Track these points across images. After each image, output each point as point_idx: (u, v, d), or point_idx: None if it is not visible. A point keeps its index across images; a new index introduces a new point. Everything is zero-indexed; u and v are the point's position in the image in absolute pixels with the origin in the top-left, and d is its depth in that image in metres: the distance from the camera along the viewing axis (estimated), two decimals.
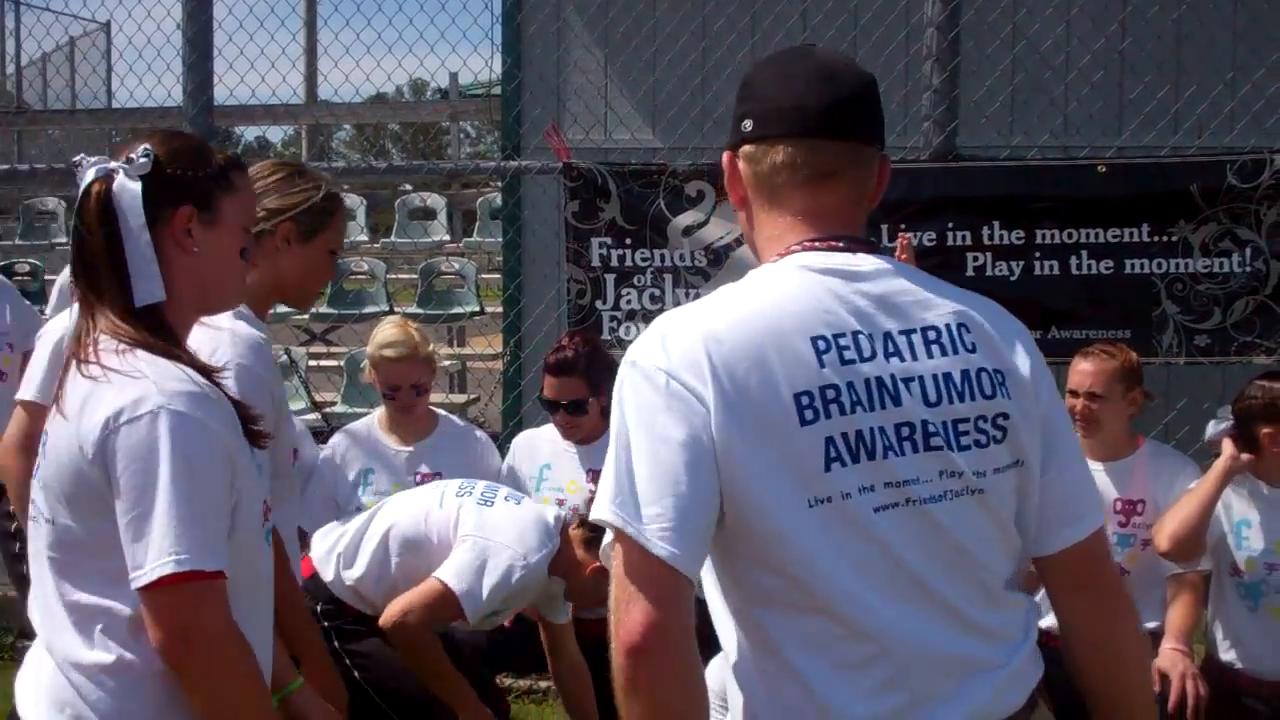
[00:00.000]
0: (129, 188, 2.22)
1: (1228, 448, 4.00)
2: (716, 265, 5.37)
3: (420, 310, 9.82)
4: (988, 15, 5.89)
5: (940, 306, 1.97)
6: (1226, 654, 4.04)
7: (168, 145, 2.28)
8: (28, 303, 5.36)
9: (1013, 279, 5.06)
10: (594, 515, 1.88)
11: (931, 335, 1.94)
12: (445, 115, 13.34)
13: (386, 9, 10.62)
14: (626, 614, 1.81)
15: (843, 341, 1.90)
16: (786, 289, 1.93)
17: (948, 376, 1.93)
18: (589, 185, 5.51)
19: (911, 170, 5.23)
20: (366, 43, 7.74)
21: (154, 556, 2.06)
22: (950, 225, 5.16)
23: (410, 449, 4.71)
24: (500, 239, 7.82)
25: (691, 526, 1.82)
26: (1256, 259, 4.95)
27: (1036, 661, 2.02)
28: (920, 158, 5.29)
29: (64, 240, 11.54)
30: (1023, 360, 1.99)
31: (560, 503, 4.64)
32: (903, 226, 5.17)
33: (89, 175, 2.25)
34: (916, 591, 1.89)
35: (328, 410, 8.23)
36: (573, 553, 3.88)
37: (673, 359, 1.87)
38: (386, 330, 4.69)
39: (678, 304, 5.45)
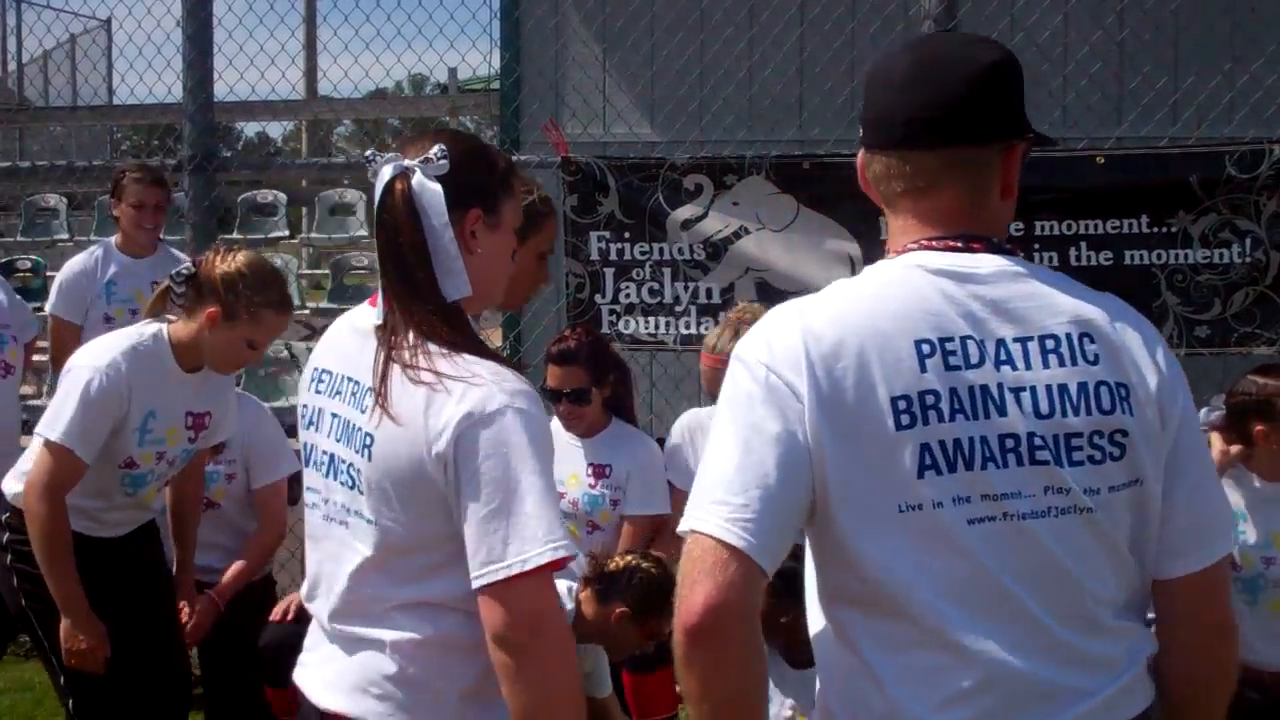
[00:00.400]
0: (429, 187, 2.26)
1: (1216, 442, 4.00)
2: (715, 259, 5.37)
3: None
4: (985, 7, 5.88)
5: (1064, 314, 1.91)
6: None
7: (459, 147, 2.32)
8: (18, 296, 5.39)
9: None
10: (682, 522, 1.87)
11: (1050, 344, 1.88)
12: (444, 110, 13.33)
13: (385, 4, 10.62)
14: (690, 594, 1.81)
15: (949, 346, 1.86)
16: (895, 288, 1.90)
17: (1063, 388, 1.86)
18: (587, 179, 5.51)
19: None
20: (365, 38, 7.71)
21: (526, 547, 2.12)
22: None
23: None
24: None
25: (773, 520, 1.82)
26: (1256, 249, 4.94)
27: (1139, 692, 1.94)
28: None
29: (65, 237, 11.57)
30: (1152, 374, 1.91)
31: (561, 496, 4.64)
32: None
33: (387, 172, 2.29)
34: (1004, 609, 1.84)
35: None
36: (590, 618, 3.73)
37: (774, 353, 1.87)
38: None
39: (676, 298, 5.49)
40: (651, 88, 6.72)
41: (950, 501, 1.82)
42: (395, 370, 2.23)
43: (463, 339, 2.26)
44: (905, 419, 1.82)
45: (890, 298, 1.89)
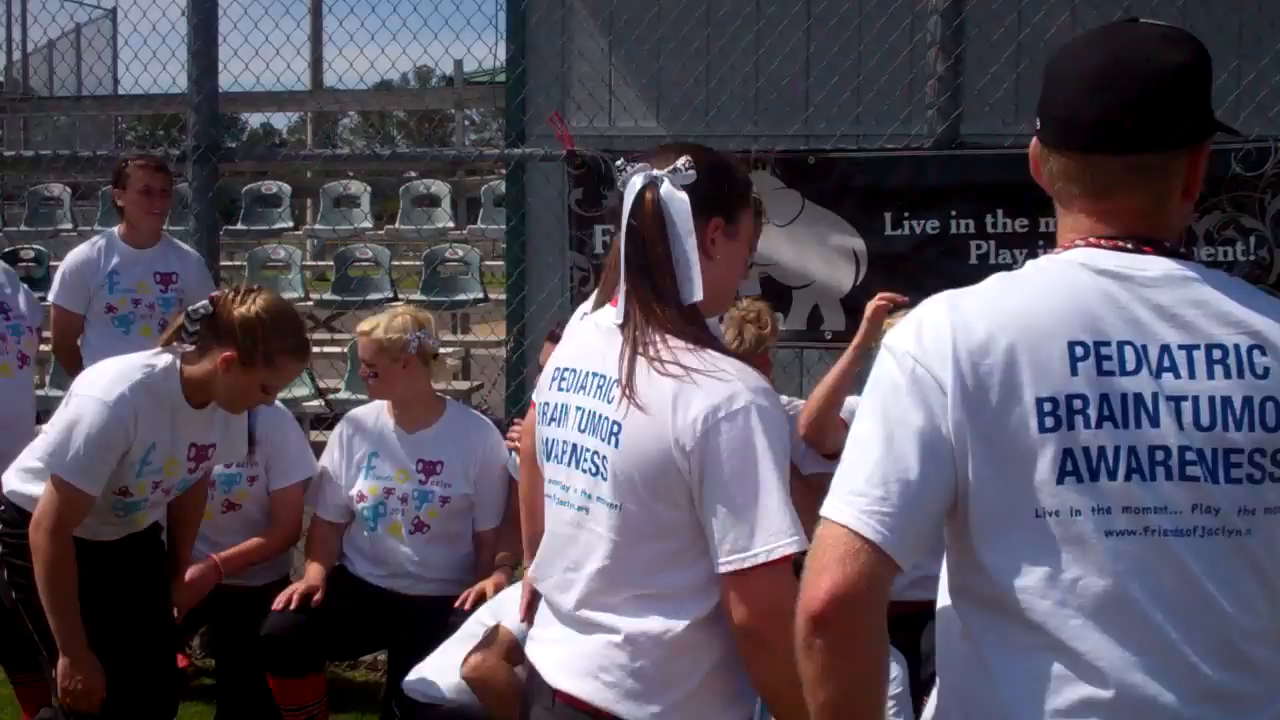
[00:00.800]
0: (677, 196, 2.39)
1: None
2: None
3: (424, 297, 9.83)
4: (992, 2, 5.88)
5: (1235, 323, 1.82)
6: None
7: (705, 160, 2.45)
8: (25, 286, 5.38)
9: (1016, 267, 5.03)
10: (822, 509, 1.86)
11: (1217, 354, 1.80)
12: (450, 103, 13.34)
13: None
14: (816, 580, 1.80)
15: (1105, 350, 1.80)
16: (1056, 286, 1.85)
17: (1227, 401, 1.78)
18: (592, 173, 5.50)
19: (915, 158, 5.23)
20: (371, 30, 7.72)
21: (770, 538, 2.25)
22: (954, 213, 5.15)
23: (414, 435, 4.72)
24: (504, 226, 7.82)
25: (911, 514, 1.80)
26: (1260, 248, 4.94)
27: None
28: (924, 146, 5.28)
29: (69, 226, 11.57)
30: None
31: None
32: (905, 215, 5.17)
33: (638, 181, 2.43)
34: (1137, 627, 1.78)
35: (332, 397, 8.23)
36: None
37: (924, 345, 1.84)
38: (377, 316, 4.79)
39: None
40: (657, 81, 6.71)
41: (1090, 511, 1.78)
42: (641, 364, 2.35)
43: (705, 336, 2.38)
44: (1049, 421, 1.78)
45: (1049, 295, 1.84)
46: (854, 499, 1.81)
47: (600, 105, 6.74)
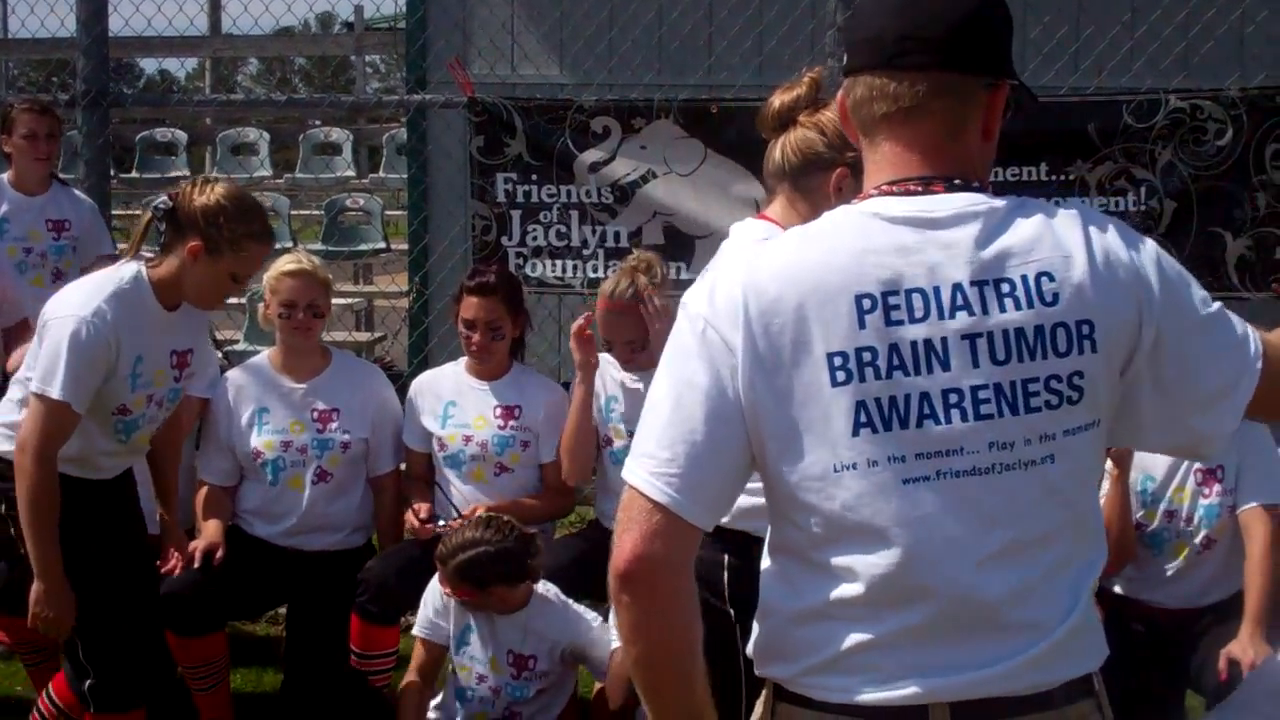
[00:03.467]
0: None
1: None
2: (623, 202, 5.36)
3: (325, 247, 9.71)
4: None
5: (1025, 253, 1.83)
6: (1117, 586, 4.19)
7: None
8: None
9: None
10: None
11: (1005, 288, 1.82)
12: (350, 49, 13.14)
13: None
14: (619, 541, 1.84)
15: (892, 300, 1.81)
16: (847, 239, 1.85)
17: (1020, 332, 1.80)
18: (494, 121, 5.47)
19: None
20: None
21: None
22: None
23: (304, 385, 4.67)
24: (405, 175, 7.75)
25: (701, 474, 1.82)
26: (1151, 198, 5.02)
27: (1077, 653, 1.88)
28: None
29: None
30: (1121, 300, 1.83)
31: (468, 439, 4.66)
32: None
33: None
34: (936, 572, 1.80)
35: (229, 349, 8.11)
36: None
37: (715, 306, 1.85)
38: (283, 260, 4.68)
39: (584, 241, 5.47)
40: (560, 28, 6.67)
41: (886, 460, 1.80)
42: None
43: None
44: (841, 375, 1.80)
45: (840, 249, 1.85)
46: (645, 460, 1.85)
47: (502, 52, 6.69)
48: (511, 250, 5.49)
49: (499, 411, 4.66)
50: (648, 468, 1.84)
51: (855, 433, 1.80)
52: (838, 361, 1.80)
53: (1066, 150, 5.08)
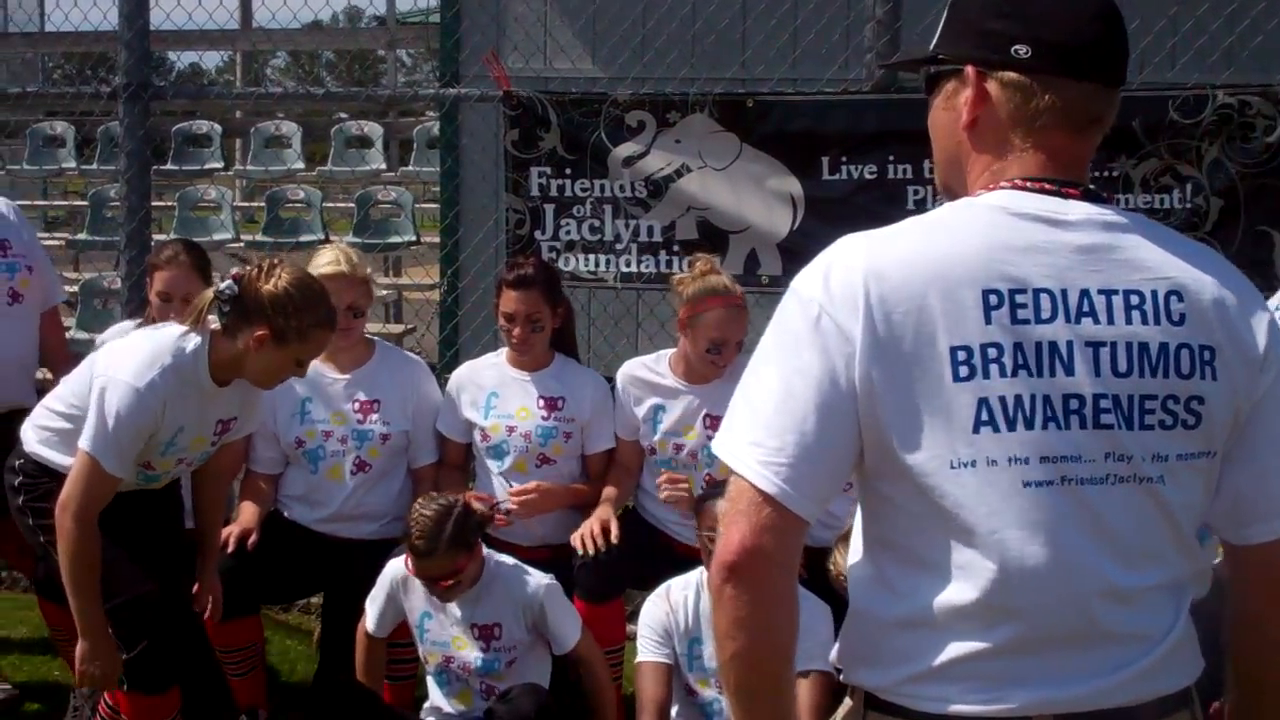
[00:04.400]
0: None
1: None
2: (657, 196, 5.34)
3: (356, 239, 9.72)
4: None
5: (1155, 269, 1.80)
6: None
7: None
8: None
9: None
10: (715, 446, 1.86)
11: (1135, 300, 1.78)
12: (382, 42, 13.16)
13: None
14: (727, 532, 1.80)
15: (1020, 299, 1.77)
16: (972, 231, 1.81)
17: (1144, 347, 1.77)
18: (529, 114, 5.45)
19: (853, 102, 5.21)
20: None
21: None
22: (891, 158, 5.13)
23: (347, 376, 4.67)
24: (437, 168, 7.74)
25: (809, 467, 1.77)
26: (1197, 195, 4.96)
27: (1178, 667, 1.85)
28: (862, 90, 5.26)
29: None
30: (1247, 339, 1.82)
31: (511, 430, 4.65)
32: (843, 159, 5.16)
33: None
34: (1053, 576, 1.76)
35: None
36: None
37: (831, 292, 1.79)
38: (323, 253, 4.67)
39: (617, 235, 5.44)
40: (594, 22, 6.66)
41: (1006, 461, 1.75)
42: None
43: None
44: (964, 371, 1.75)
45: (965, 241, 1.80)
46: (753, 449, 1.79)
47: (536, 46, 6.68)
48: (544, 244, 5.47)
49: (542, 403, 4.66)
50: (756, 456, 1.78)
51: (976, 430, 1.76)
52: (961, 356, 1.76)
53: (1110, 146, 5.01)
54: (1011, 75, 1.86)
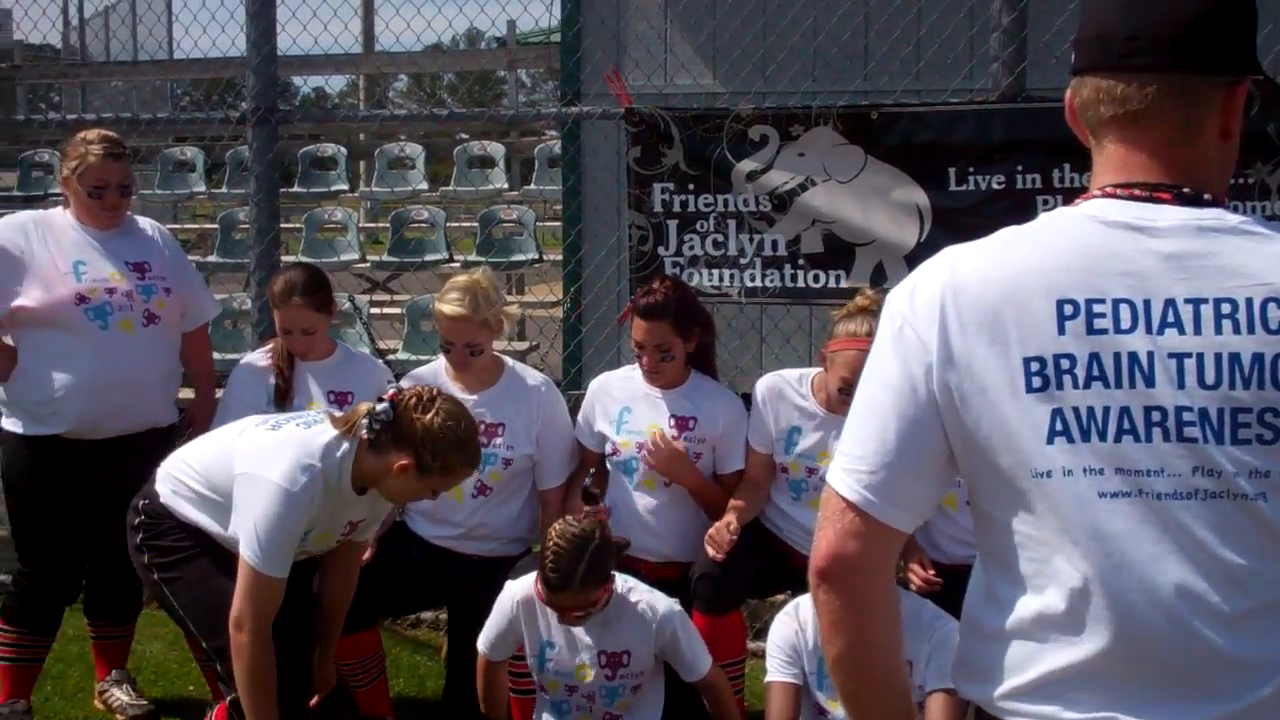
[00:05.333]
0: None
1: None
2: (781, 210, 5.31)
3: (480, 258, 9.83)
4: None
5: (1254, 275, 1.72)
6: None
7: None
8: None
9: None
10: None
11: (1226, 308, 1.71)
12: (503, 63, 13.29)
13: None
14: (817, 538, 1.85)
15: (1097, 309, 1.74)
16: (1056, 241, 1.80)
17: (1235, 358, 1.70)
18: (651, 130, 5.45)
19: (979, 113, 5.14)
20: None
21: None
22: (1019, 168, 5.06)
23: (474, 398, 4.70)
24: (558, 186, 7.79)
25: (891, 474, 1.81)
26: None
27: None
28: (988, 100, 5.19)
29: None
30: None
31: (640, 447, 4.65)
32: (970, 170, 5.10)
33: None
34: (1137, 585, 1.71)
35: (390, 357, 8.25)
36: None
37: (914, 304, 1.84)
38: (453, 287, 4.66)
39: (741, 250, 5.43)
40: (715, 38, 6.66)
41: (1081, 471, 1.73)
42: None
43: None
44: (1037, 381, 1.75)
45: (1048, 251, 1.79)
46: (840, 457, 1.86)
47: (657, 63, 6.69)
48: (668, 260, 5.47)
49: (673, 422, 4.65)
50: (841, 464, 1.85)
51: (1050, 440, 1.75)
52: (1034, 367, 1.75)
53: (1244, 151, 4.87)
54: (1073, 79, 1.87)
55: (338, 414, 3.98)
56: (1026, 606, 1.79)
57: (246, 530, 3.72)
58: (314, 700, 4.17)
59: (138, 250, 4.82)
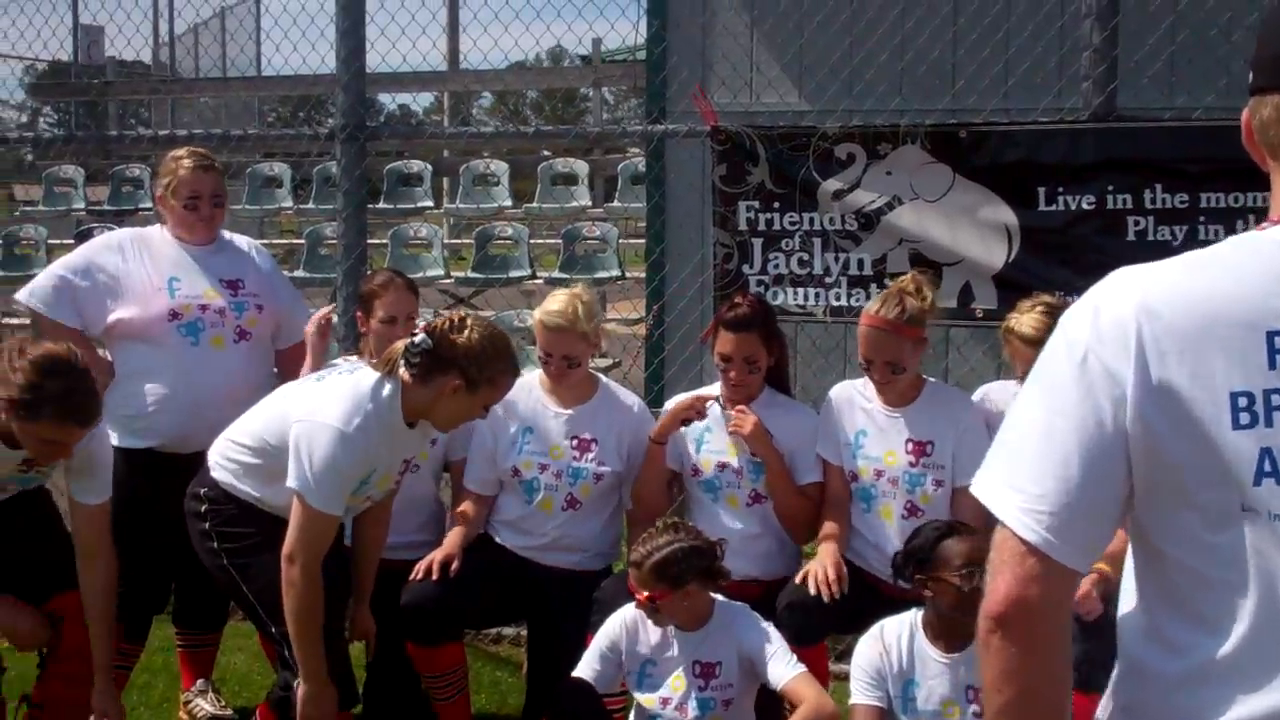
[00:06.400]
0: None
1: None
2: (868, 229, 5.28)
3: (563, 275, 9.87)
4: None
5: None
6: None
7: None
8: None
9: (1176, 244, 4.87)
10: (973, 486, 1.79)
11: None
12: (586, 80, 13.35)
13: None
14: (993, 582, 1.73)
15: None
16: (1253, 268, 1.68)
17: None
18: (737, 149, 5.45)
19: (1070, 132, 5.09)
20: (515, 8, 7.73)
21: None
22: (1111, 188, 5.00)
23: (569, 412, 4.72)
24: (640, 203, 7.80)
25: (1072, 515, 1.68)
26: None
27: None
28: (1079, 119, 5.14)
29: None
30: None
31: (722, 466, 4.66)
32: (1060, 189, 5.04)
33: None
34: None
35: None
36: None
37: (1100, 330, 1.69)
38: (555, 298, 4.71)
39: (826, 269, 5.40)
40: (801, 56, 6.64)
41: None
42: None
43: None
44: (1245, 418, 1.63)
45: (1245, 278, 1.67)
46: (1014, 494, 1.72)
47: (743, 80, 6.68)
48: (753, 278, 5.46)
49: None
50: (1017, 503, 1.71)
51: (1258, 482, 1.63)
52: (1242, 402, 1.64)
53: None
54: (1251, 98, 1.79)
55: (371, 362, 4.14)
56: (1210, 651, 1.68)
57: (301, 470, 3.85)
58: (369, 653, 4.41)
59: (232, 267, 4.90)
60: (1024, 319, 4.34)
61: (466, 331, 3.92)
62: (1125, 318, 1.69)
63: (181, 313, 4.72)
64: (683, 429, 4.71)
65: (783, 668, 4.04)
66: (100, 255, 4.81)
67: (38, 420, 3.74)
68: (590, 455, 4.69)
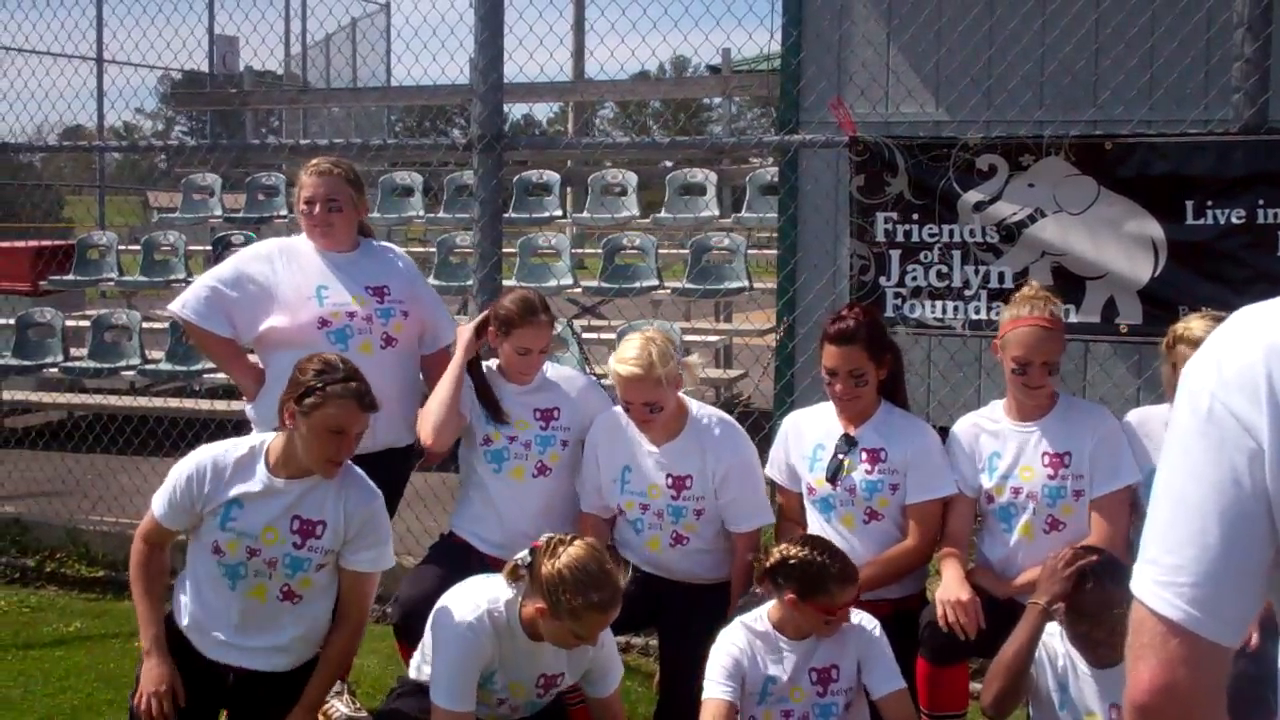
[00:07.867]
0: None
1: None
2: (1009, 241, 5.21)
3: (691, 285, 9.87)
4: None
5: None
6: None
7: None
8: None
9: None
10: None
11: None
12: (717, 91, 13.35)
13: None
14: (1134, 669, 1.58)
15: None
16: None
17: None
18: (875, 159, 5.40)
19: (1220, 144, 4.98)
20: (631, 19, 7.76)
21: None
22: (1261, 202, 4.88)
23: (660, 448, 4.69)
24: (769, 214, 7.76)
25: (1215, 586, 1.53)
26: None
27: None
28: (1229, 131, 5.02)
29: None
30: None
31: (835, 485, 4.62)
32: (1209, 203, 4.94)
33: None
34: None
35: (605, 382, 8.32)
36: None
37: (1225, 377, 1.54)
38: (628, 344, 4.64)
39: (966, 281, 5.33)
40: (939, 66, 6.57)
41: None
42: None
43: None
44: None
45: None
46: (1148, 568, 1.58)
47: (883, 90, 6.64)
48: (890, 290, 5.41)
49: (864, 456, 4.58)
50: (1152, 576, 1.58)
51: None
52: None
53: None
54: None
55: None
56: None
57: (434, 671, 4.04)
58: None
59: (378, 274, 4.98)
60: (1194, 324, 4.21)
61: (556, 558, 3.88)
62: (1253, 362, 1.53)
63: (331, 320, 4.81)
64: (795, 446, 4.70)
65: (883, 679, 4.08)
66: (249, 265, 4.91)
67: (324, 405, 3.96)
68: (688, 491, 4.66)
